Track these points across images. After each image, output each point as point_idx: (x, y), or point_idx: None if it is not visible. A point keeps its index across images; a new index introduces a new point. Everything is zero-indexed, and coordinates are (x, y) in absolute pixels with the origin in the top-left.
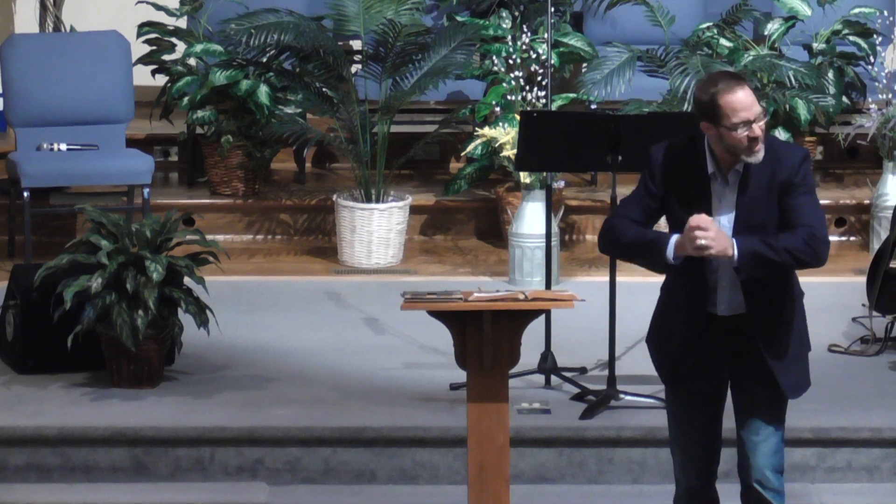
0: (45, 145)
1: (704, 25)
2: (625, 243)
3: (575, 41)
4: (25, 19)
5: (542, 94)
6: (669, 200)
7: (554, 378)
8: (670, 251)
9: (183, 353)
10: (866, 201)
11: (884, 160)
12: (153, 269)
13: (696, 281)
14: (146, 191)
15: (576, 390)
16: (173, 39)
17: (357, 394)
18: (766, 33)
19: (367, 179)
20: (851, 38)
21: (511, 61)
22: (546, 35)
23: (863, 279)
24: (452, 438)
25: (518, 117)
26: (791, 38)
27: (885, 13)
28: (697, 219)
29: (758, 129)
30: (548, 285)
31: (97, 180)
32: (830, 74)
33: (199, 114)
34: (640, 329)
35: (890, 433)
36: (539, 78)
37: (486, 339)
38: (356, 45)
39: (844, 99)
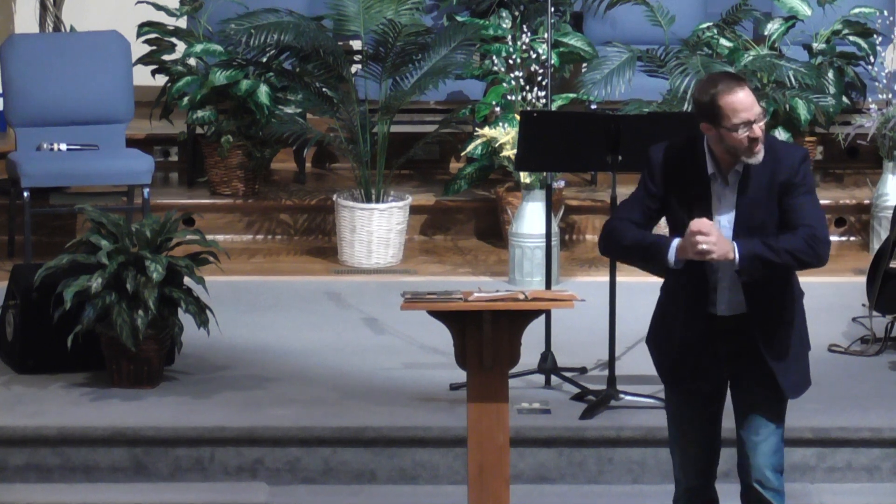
0: (45, 145)
1: (704, 25)
2: (625, 246)
3: (575, 41)
4: (25, 19)
5: (542, 94)
6: (669, 201)
7: (554, 378)
8: (671, 255)
9: (183, 353)
10: (866, 201)
11: (884, 160)
12: (153, 269)
13: (696, 281)
14: (146, 191)
15: (576, 390)
16: (173, 39)
17: (357, 394)
18: (766, 33)
19: (367, 179)
20: (851, 38)
21: (511, 61)
22: (546, 35)
23: (863, 279)
24: (452, 438)
25: (518, 117)
26: (791, 38)
27: (885, 13)
28: (699, 223)
29: (758, 129)
30: (548, 285)
31: (97, 180)
32: (830, 74)
33: (199, 114)
34: (640, 329)
35: (890, 433)
36: (539, 78)
37: (486, 339)
38: (356, 45)
39: (844, 99)
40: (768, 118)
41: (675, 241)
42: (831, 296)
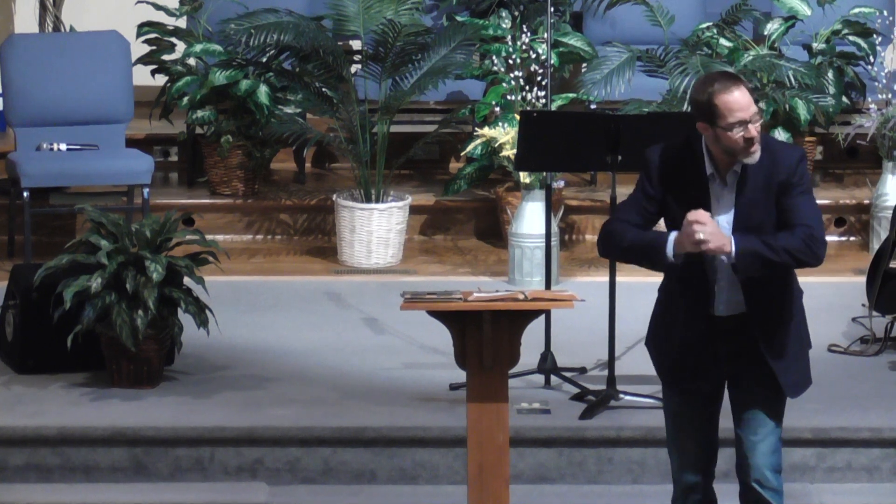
0: (44, 145)
1: (704, 25)
2: (624, 247)
3: (575, 41)
4: (25, 19)
5: (542, 94)
6: (668, 202)
7: (554, 378)
8: (670, 249)
9: (183, 353)
10: (866, 201)
11: (883, 160)
12: (153, 269)
13: (695, 282)
14: (146, 191)
15: (576, 390)
16: (173, 39)
17: (357, 394)
18: (765, 33)
19: (366, 179)
20: (851, 37)
21: (511, 61)
22: (546, 35)
23: (863, 279)
24: (452, 438)
25: (518, 117)
26: (791, 38)
27: (885, 13)
28: (695, 214)
29: (754, 129)
30: (547, 285)
31: (97, 180)
32: (830, 74)
33: (199, 114)
34: (640, 329)
35: (890, 433)
36: (539, 78)
37: (486, 339)
38: (356, 45)
39: (844, 99)
40: (766, 118)
41: (673, 235)
42: (831, 296)
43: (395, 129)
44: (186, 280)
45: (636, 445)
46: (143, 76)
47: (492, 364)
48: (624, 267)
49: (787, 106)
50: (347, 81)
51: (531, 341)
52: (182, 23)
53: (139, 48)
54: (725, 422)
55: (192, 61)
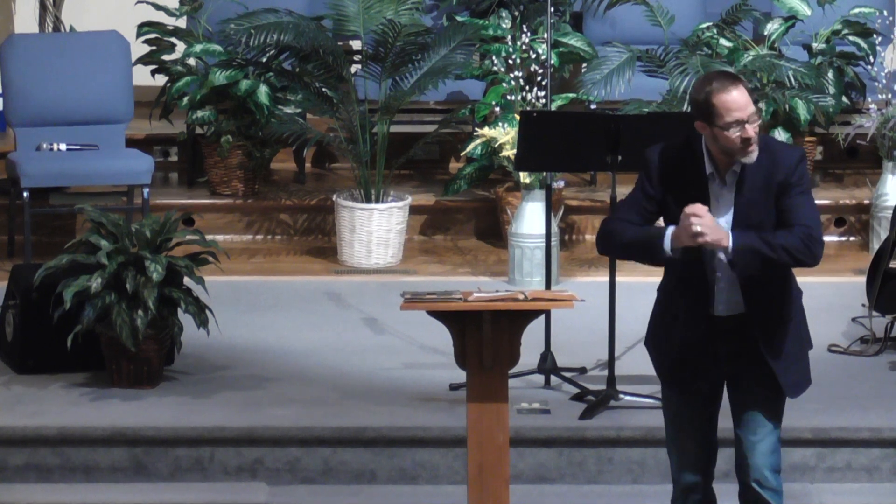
0: (44, 145)
1: (704, 25)
2: (623, 243)
3: (575, 41)
4: (25, 19)
5: (542, 94)
6: (667, 202)
7: (554, 378)
8: (667, 243)
9: (183, 353)
10: (866, 201)
11: (883, 160)
12: (153, 269)
13: (694, 282)
14: (146, 191)
15: (575, 390)
16: (173, 39)
17: (357, 394)
18: (765, 33)
19: (366, 179)
20: (851, 38)
21: (511, 61)
22: (546, 35)
23: (863, 279)
24: (452, 438)
25: (518, 117)
26: (791, 38)
27: (885, 13)
28: (693, 207)
29: (751, 129)
30: (547, 285)
31: (97, 180)
32: (830, 74)
33: (199, 114)
34: (640, 329)
35: (889, 433)
36: (539, 78)
37: (486, 339)
38: (356, 45)
39: (844, 99)
40: (766, 118)
41: (670, 229)
42: (831, 296)
43: (395, 129)
44: (186, 280)
45: (636, 445)
46: (143, 76)
47: (492, 364)
48: (624, 267)
49: (787, 106)
50: (347, 81)
51: (531, 341)
52: (182, 23)
53: (139, 48)
54: (725, 422)
55: (192, 61)
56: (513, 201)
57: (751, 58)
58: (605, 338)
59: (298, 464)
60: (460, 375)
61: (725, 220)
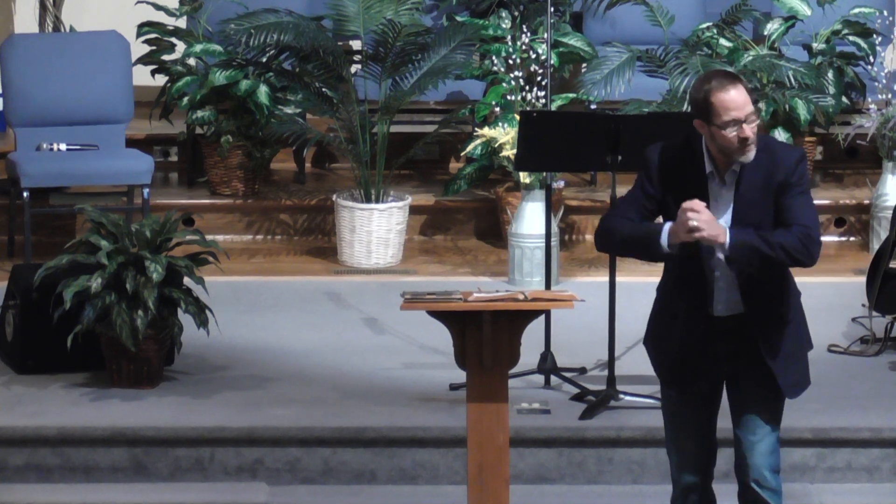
0: (44, 145)
1: (704, 25)
2: (620, 238)
3: (575, 41)
4: (25, 19)
5: (542, 94)
6: (667, 201)
7: (554, 378)
8: (664, 239)
9: (183, 353)
10: (866, 201)
11: (883, 160)
12: (153, 270)
13: (692, 281)
14: (146, 191)
15: (575, 390)
16: (173, 39)
17: (357, 394)
18: (765, 33)
19: (366, 179)
20: (851, 38)
21: (511, 61)
22: (546, 35)
23: (863, 279)
24: (452, 438)
25: (518, 117)
26: (791, 38)
27: (885, 13)
28: (690, 203)
29: (748, 129)
30: (547, 285)
31: (97, 180)
32: (830, 74)
33: (199, 114)
34: (640, 329)
35: (890, 433)
36: (539, 78)
37: (486, 339)
38: (356, 45)
39: (844, 99)
40: (766, 118)
41: (668, 225)
42: (831, 296)
43: (395, 129)
44: (186, 280)
45: (636, 445)
46: (143, 76)
47: (492, 364)
48: (624, 267)
49: (787, 106)
50: (347, 81)
51: (531, 341)
52: (182, 23)
53: (139, 48)
54: (725, 422)
55: (192, 61)
56: (513, 201)
57: (751, 58)
58: (605, 338)
59: (298, 464)
60: (460, 375)
61: (724, 220)
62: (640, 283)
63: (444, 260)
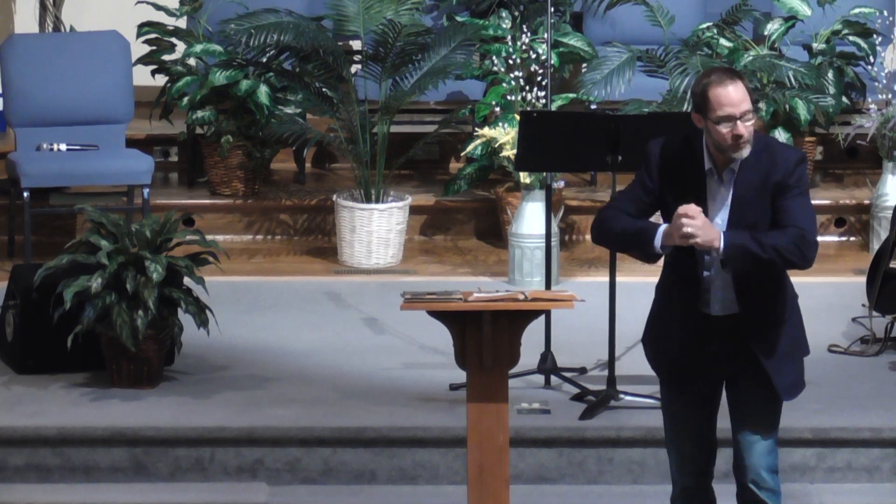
0: (44, 145)
1: (704, 25)
2: (616, 232)
3: (575, 41)
4: (25, 19)
5: (542, 94)
6: (665, 196)
7: (554, 378)
8: (658, 240)
9: (183, 353)
10: (866, 201)
11: (883, 160)
12: (153, 270)
13: (689, 281)
14: (146, 191)
15: (576, 390)
16: (173, 39)
17: (357, 394)
18: (765, 33)
19: (366, 179)
20: (851, 38)
21: (511, 61)
22: (546, 35)
23: (863, 279)
24: (452, 438)
25: (518, 117)
26: (791, 38)
27: (885, 13)
28: (685, 207)
29: (742, 127)
30: (548, 285)
31: (97, 180)
32: (830, 74)
33: (199, 114)
34: (640, 329)
35: (890, 433)
36: (539, 78)
37: (486, 339)
38: (356, 45)
39: (844, 99)
40: (766, 118)
41: (663, 227)
42: (831, 296)
43: (395, 129)
44: (186, 280)
45: (636, 445)
46: (143, 76)
47: (492, 364)
48: (624, 267)
49: (787, 106)
50: (347, 81)
51: (531, 341)
52: (182, 23)
53: (139, 48)
54: (725, 422)
55: (192, 61)
56: (513, 201)
57: (751, 58)
58: (605, 338)
59: (298, 464)
60: (460, 375)
61: (721, 218)
62: (640, 283)
63: (444, 260)
